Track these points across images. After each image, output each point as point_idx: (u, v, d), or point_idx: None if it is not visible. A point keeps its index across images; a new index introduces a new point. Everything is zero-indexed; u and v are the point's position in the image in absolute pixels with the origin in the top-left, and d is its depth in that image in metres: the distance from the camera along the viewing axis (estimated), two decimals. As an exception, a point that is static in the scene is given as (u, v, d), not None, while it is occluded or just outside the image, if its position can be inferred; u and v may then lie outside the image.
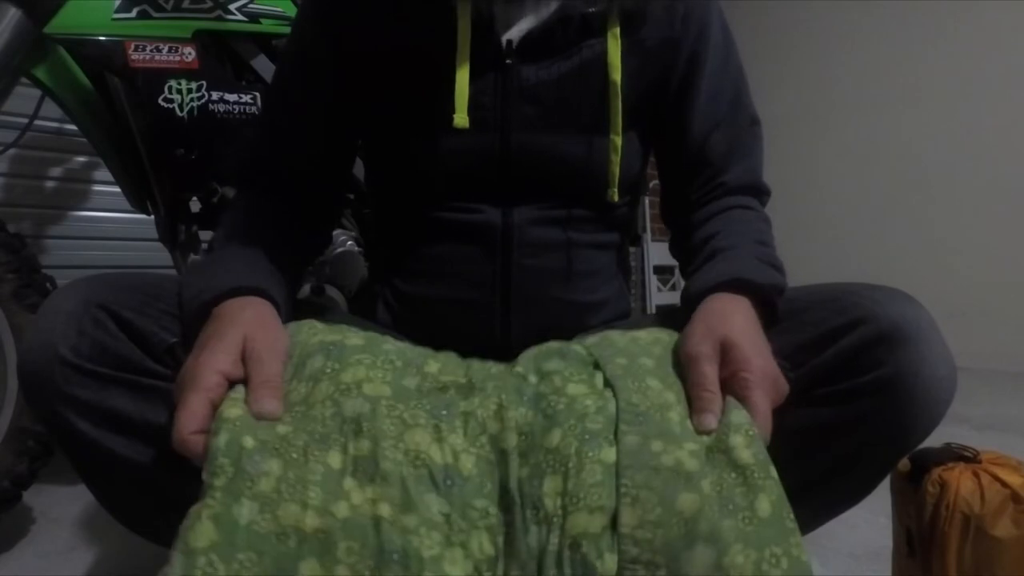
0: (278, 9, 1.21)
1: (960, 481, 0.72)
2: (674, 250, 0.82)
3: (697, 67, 0.72)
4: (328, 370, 0.51)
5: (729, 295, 0.59)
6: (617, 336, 0.59)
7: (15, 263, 1.09)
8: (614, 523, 0.44)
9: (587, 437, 0.48)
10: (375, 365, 0.52)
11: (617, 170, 0.69)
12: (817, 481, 0.59)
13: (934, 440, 0.62)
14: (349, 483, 0.45)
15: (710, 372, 0.53)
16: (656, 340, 0.59)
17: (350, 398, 0.49)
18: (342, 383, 0.50)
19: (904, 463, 0.77)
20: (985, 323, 2.80)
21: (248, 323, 0.53)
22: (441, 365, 0.54)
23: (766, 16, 3.58)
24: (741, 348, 0.53)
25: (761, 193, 0.75)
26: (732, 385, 0.52)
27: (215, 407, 0.48)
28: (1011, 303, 2.80)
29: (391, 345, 0.56)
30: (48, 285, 1.14)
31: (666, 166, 0.77)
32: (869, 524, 1.10)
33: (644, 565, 0.43)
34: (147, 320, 0.55)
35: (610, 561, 0.43)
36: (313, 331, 0.56)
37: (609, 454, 0.47)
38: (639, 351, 0.57)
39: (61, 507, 1.26)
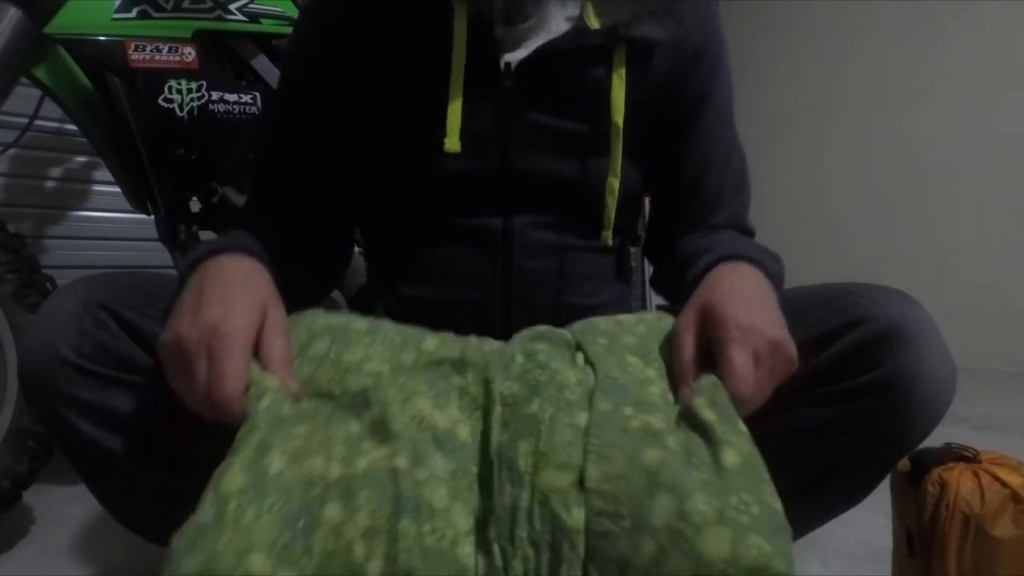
0: (278, 9, 1.21)
1: (960, 481, 0.72)
2: (658, 283, 0.81)
3: (701, 107, 0.71)
4: (331, 354, 0.53)
5: (724, 265, 0.58)
6: (601, 321, 0.60)
7: (15, 263, 1.09)
8: (583, 481, 0.46)
9: (563, 405, 0.50)
10: (374, 343, 0.54)
11: (613, 215, 0.69)
12: (817, 481, 0.59)
13: (934, 440, 0.62)
14: (367, 445, 0.47)
15: (685, 343, 0.53)
16: (640, 320, 0.60)
17: (353, 376, 0.51)
18: (343, 363, 0.52)
19: (904, 463, 0.77)
20: (985, 323, 2.80)
21: (267, 293, 0.53)
22: (439, 342, 0.55)
23: (766, 16, 3.58)
24: (716, 308, 0.52)
25: (746, 233, 0.75)
26: (713, 347, 0.52)
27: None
28: (1011, 303, 2.80)
29: (391, 325, 0.57)
30: (48, 285, 1.14)
31: (655, 199, 0.77)
32: (869, 524, 1.10)
33: (609, 516, 0.44)
34: (148, 320, 0.54)
35: (577, 514, 0.45)
36: (316, 316, 0.58)
37: (581, 418, 0.49)
38: (621, 331, 0.58)
39: (61, 507, 1.26)
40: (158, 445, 0.54)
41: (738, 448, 0.45)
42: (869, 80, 3.23)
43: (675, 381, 0.53)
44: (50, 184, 1.90)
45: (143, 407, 0.54)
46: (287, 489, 0.43)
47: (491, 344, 0.57)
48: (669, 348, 0.56)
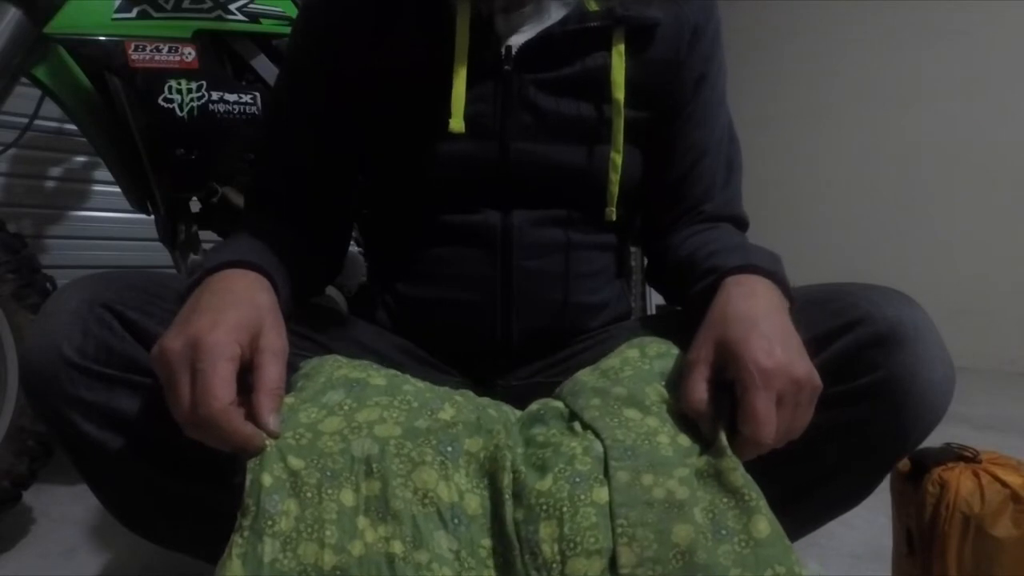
0: (278, 9, 1.21)
1: (960, 481, 0.72)
2: (653, 278, 0.80)
3: (699, 90, 0.71)
4: (345, 407, 0.51)
5: (733, 285, 0.57)
6: (586, 375, 0.59)
7: (15, 263, 1.09)
8: (612, 564, 0.45)
9: (577, 480, 0.49)
10: (391, 406, 0.52)
11: (616, 189, 0.68)
12: (817, 482, 0.59)
13: (934, 440, 0.62)
14: (363, 522, 0.46)
15: (694, 382, 0.52)
16: (624, 362, 0.59)
17: (359, 437, 0.49)
18: (354, 422, 0.50)
19: (904, 463, 0.77)
20: (985, 323, 2.80)
21: (265, 310, 0.52)
22: (455, 412, 0.54)
23: (766, 16, 3.58)
24: (733, 347, 0.50)
25: (741, 224, 0.75)
26: (733, 386, 0.51)
27: None
28: (1011, 303, 2.80)
29: (411, 386, 0.56)
30: (48, 285, 1.14)
31: (650, 185, 0.74)
32: (869, 524, 1.10)
33: None
34: (152, 321, 0.54)
35: None
36: (337, 365, 0.56)
37: (601, 494, 0.48)
38: (609, 383, 0.56)
39: (61, 507, 1.26)
40: (162, 447, 0.54)
41: (766, 515, 0.46)
42: (869, 80, 3.23)
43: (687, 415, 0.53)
44: (50, 184, 1.90)
45: (148, 409, 0.53)
46: None
47: (509, 415, 0.56)
48: (664, 383, 0.55)
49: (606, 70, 0.66)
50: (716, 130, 0.73)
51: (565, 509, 0.47)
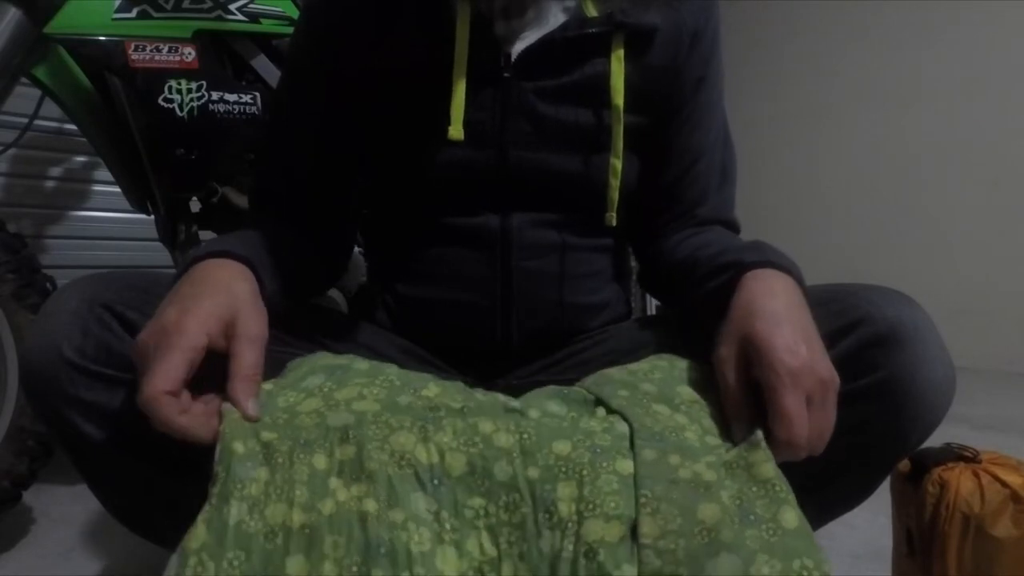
0: (278, 9, 1.21)
1: (960, 481, 0.72)
2: (645, 280, 0.80)
3: (698, 92, 0.71)
4: (325, 388, 0.50)
5: (754, 274, 0.55)
6: (614, 372, 0.58)
7: (15, 263, 1.09)
8: (632, 533, 0.44)
9: (598, 451, 0.48)
10: (372, 384, 0.51)
11: (616, 196, 0.68)
12: (818, 483, 0.58)
13: (934, 440, 0.62)
14: (335, 482, 0.44)
15: (730, 380, 0.51)
16: (653, 367, 0.57)
17: (337, 412, 0.48)
18: (332, 399, 0.49)
19: (904, 463, 0.77)
20: (985, 323, 2.80)
21: (242, 298, 0.51)
22: (441, 390, 0.52)
23: (766, 16, 3.58)
24: (760, 345, 0.49)
25: (733, 229, 0.75)
26: (761, 387, 0.49)
27: (192, 369, 0.46)
28: (1011, 303, 2.80)
29: (394, 369, 0.55)
30: (48, 285, 1.14)
31: (645, 188, 0.73)
32: (869, 524, 1.10)
33: None
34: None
35: (628, 571, 0.42)
36: (324, 355, 0.56)
37: (624, 465, 0.47)
38: (638, 380, 0.55)
39: (61, 507, 1.26)
40: (162, 447, 0.54)
41: (795, 508, 0.45)
42: (869, 80, 3.22)
43: (723, 417, 0.51)
44: (50, 184, 1.90)
45: None
46: (247, 542, 0.41)
47: (499, 397, 0.54)
48: (694, 388, 0.54)
49: (605, 76, 0.66)
50: (712, 131, 0.73)
51: (585, 473, 0.46)
